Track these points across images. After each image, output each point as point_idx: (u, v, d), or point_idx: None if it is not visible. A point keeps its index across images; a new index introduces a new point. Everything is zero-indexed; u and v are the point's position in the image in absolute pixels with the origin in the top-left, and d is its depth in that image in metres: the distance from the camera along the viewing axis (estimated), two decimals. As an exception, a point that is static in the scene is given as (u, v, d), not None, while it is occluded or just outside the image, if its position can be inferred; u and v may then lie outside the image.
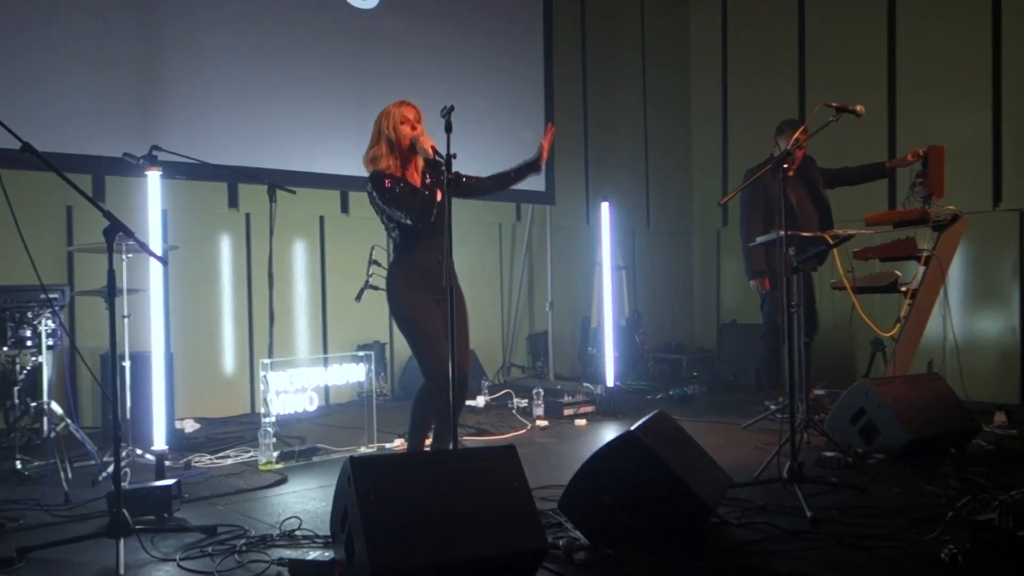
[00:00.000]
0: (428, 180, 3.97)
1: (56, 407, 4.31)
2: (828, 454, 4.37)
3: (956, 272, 6.31)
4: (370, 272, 5.52)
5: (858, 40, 7.88)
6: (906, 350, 5.53)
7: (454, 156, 3.60)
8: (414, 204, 3.89)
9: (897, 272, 5.63)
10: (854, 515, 3.48)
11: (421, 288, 3.97)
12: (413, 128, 3.97)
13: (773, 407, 5.69)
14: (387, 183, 3.95)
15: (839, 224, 5.87)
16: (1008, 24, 6.97)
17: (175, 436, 4.99)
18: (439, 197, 3.93)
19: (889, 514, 3.48)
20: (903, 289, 5.52)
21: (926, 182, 5.50)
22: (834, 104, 4.05)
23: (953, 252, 5.68)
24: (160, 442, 4.36)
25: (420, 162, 4.05)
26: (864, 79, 7.71)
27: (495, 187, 4.31)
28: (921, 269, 5.50)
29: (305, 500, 3.93)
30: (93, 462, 4.27)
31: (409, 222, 3.92)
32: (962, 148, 6.47)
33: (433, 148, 3.80)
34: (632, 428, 3.25)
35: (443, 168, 3.59)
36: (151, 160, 4.53)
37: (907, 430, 4.40)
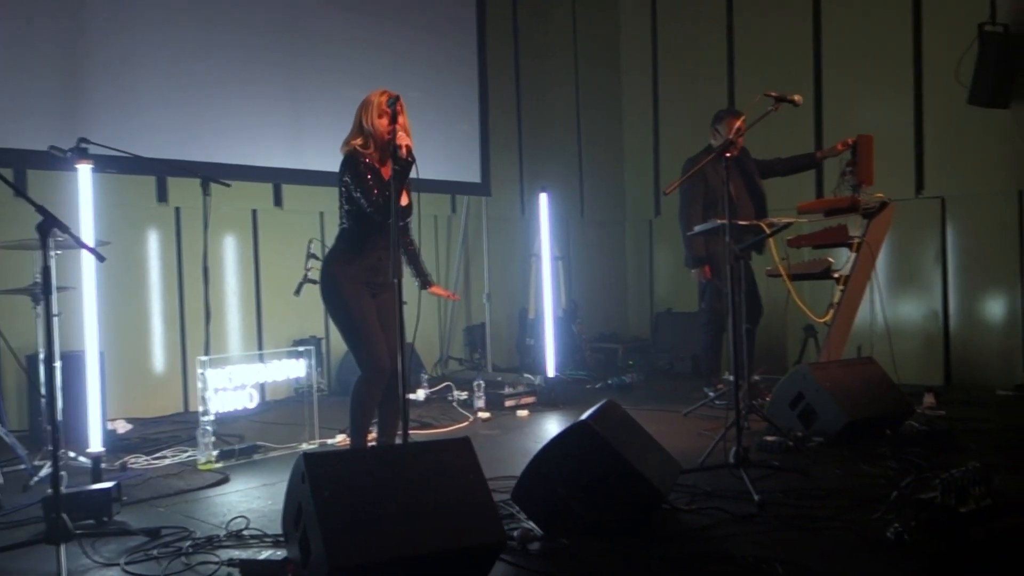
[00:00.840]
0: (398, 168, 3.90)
1: (-18, 410, 4.14)
2: (769, 438, 4.45)
3: (882, 258, 6.48)
4: (308, 266, 5.44)
5: (785, 32, 8.03)
6: (839, 335, 5.67)
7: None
8: (379, 198, 3.84)
9: (830, 259, 5.77)
10: (799, 497, 3.55)
11: (359, 280, 3.96)
12: (392, 120, 3.90)
13: (712, 394, 5.77)
14: (361, 166, 3.91)
15: (773, 213, 5.99)
16: (928, 15, 7.18)
17: (108, 437, 4.83)
18: (405, 200, 3.93)
19: (832, 495, 3.56)
20: (835, 275, 5.65)
21: (855, 171, 5.64)
22: (773, 94, 4.12)
23: (882, 238, 5.84)
24: (96, 444, 4.21)
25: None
26: (791, 70, 7.87)
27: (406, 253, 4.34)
28: (852, 256, 5.64)
29: (250, 499, 3.85)
30: (23, 466, 4.11)
31: (369, 211, 3.88)
32: (885, 137, 6.64)
33: (408, 148, 3.76)
34: (583, 417, 3.25)
35: (406, 167, 3.58)
36: (81, 153, 4.36)
37: (844, 413, 4.51)
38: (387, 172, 3.97)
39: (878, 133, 6.00)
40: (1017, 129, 6.72)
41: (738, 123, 4.26)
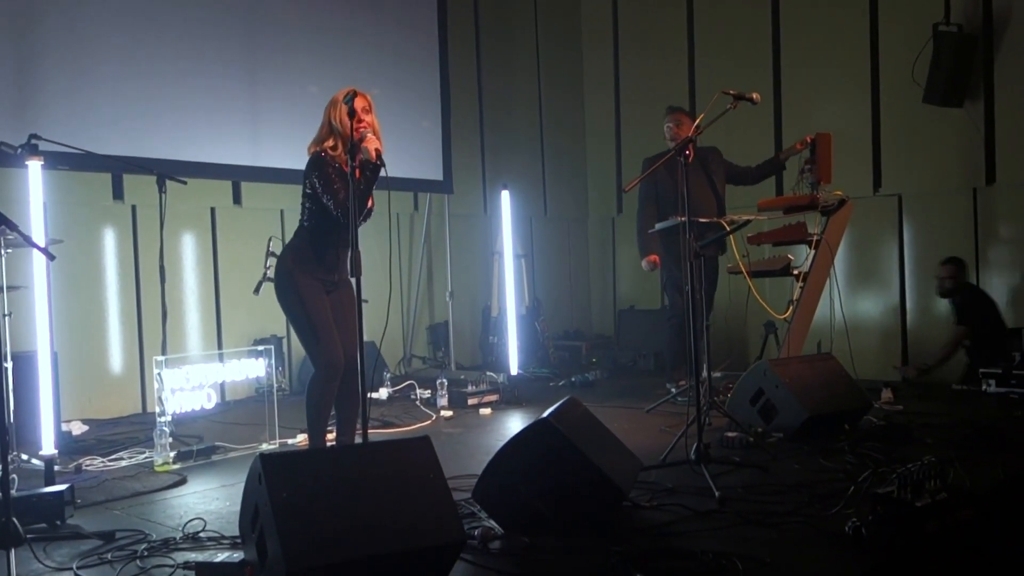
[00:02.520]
0: (362, 184, 3.86)
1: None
2: (730, 434, 4.48)
3: (841, 255, 6.55)
4: (268, 264, 5.37)
5: (745, 23, 8.10)
6: (799, 331, 5.71)
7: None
8: (346, 202, 3.81)
9: (789, 256, 5.81)
10: (759, 493, 3.56)
11: (314, 276, 3.94)
12: (359, 120, 3.86)
13: (674, 390, 5.79)
14: (330, 169, 3.90)
15: (733, 210, 6.03)
16: (884, 15, 7.27)
17: (63, 439, 4.75)
18: (370, 204, 3.95)
19: (792, 491, 3.58)
20: (795, 272, 5.70)
21: (814, 168, 5.69)
22: (732, 92, 4.13)
23: (841, 236, 5.89)
24: (48, 446, 4.13)
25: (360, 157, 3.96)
26: (751, 68, 7.94)
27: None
28: (811, 253, 5.69)
29: (207, 500, 3.80)
30: (-26, 470, 4.02)
31: (336, 214, 3.87)
32: (844, 135, 6.72)
33: (377, 152, 3.74)
34: (544, 415, 3.24)
35: (375, 171, 3.57)
36: (31, 149, 4.28)
37: (804, 409, 4.54)
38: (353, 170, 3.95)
39: (836, 131, 6.06)
40: (971, 127, 6.84)
41: (696, 122, 4.26)
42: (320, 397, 4.02)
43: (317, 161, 3.95)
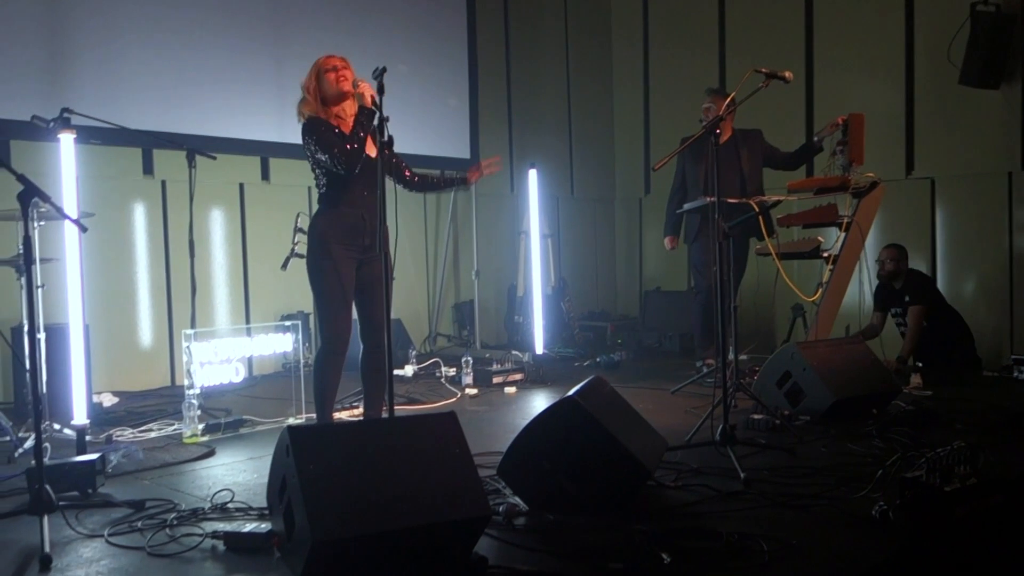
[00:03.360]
0: (361, 132, 3.86)
1: (-34, 382, 4.11)
2: (756, 416, 4.45)
3: (871, 238, 6.48)
4: (295, 240, 5.40)
5: (777, 8, 7.99)
6: (827, 314, 5.67)
7: (386, 119, 3.56)
8: (344, 150, 3.82)
9: (819, 238, 5.76)
10: (785, 475, 3.55)
11: (343, 244, 3.93)
12: (340, 74, 3.89)
13: (705, 369, 5.76)
14: (321, 127, 3.90)
15: (763, 191, 5.97)
16: (921, -4, 7.16)
17: (94, 410, 4.82)
18: (369, 148, 3.88)
19: (818, 473, 3.56)
20: (825, 255, 5.65)
21: (846, 150, 5.62)
22: (764, 70, 4.09)
23: (872, 218, 5.83)
24: (80, 416, 4.19)
25: (350, 110, 3.97)
26: (783, 47, 7.84)
27: (417, 185, 4.40)
28: (842, 235, 5.63)
29: (235, 472, 3.83)
30: (8, 438, 4.08)
31: (337, 168, 3.86)
32: (877, 117, 6.63)
33: (372, 97, 3.72)
34: (570, 393, 3.24)
35: (379, 122, 3.55)
36: (63, 123, 4.32)
37: (831, 392, 4.51)
38: (343, 125, 3.96)
39: (869, 112, 5.98)
40: (1008, 110, 6.72)
41: (728, 100, 4.22)
42: (322, 370, 4.03)
43: (307, 125, 3.95)
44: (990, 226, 6.82)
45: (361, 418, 4.23)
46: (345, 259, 3.96)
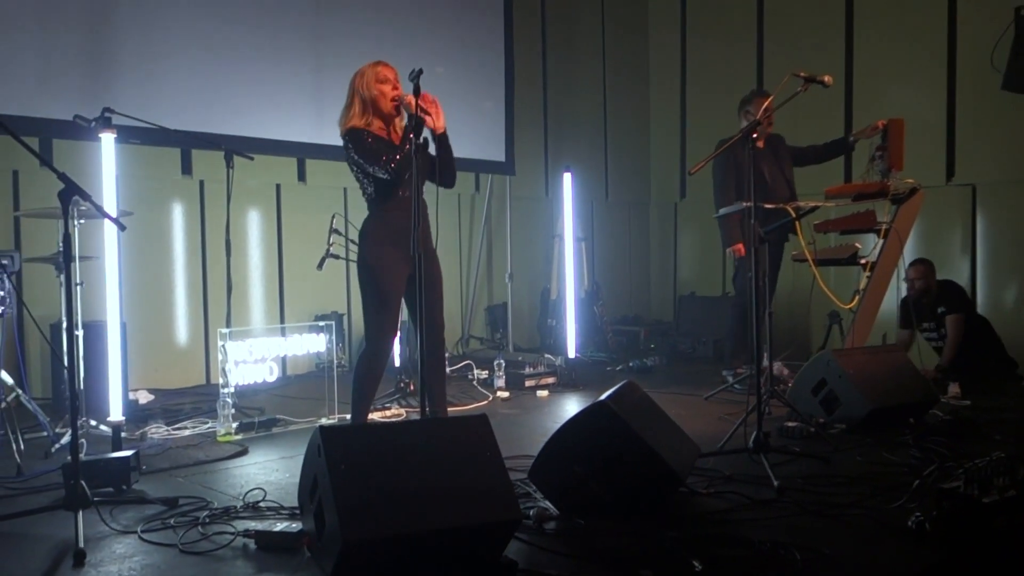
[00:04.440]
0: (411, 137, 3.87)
1: (6, 377, 4.17)
2: (790, 424, 4.40)
3: (910, 245, 6.39)
4: (331, 241, 5.43)
5: (817, 11, 7.92)
6: (864, 322, 5.60)
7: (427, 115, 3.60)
8: (392, 158, 3.83)
9: (857, 244, 5.68)
10: (819, 484, 3.51)
11: (394, 245, 3.93)
12: (395, 87, 3.92)
13: (731, 379, 5.72)
14: (363, 136, 3.91)
15: (800, 197, 5.90)
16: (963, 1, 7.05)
17: (130, 407, 4.87)
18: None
19: (853, 483, 3.52)
20: (862, 261, 5.58)
21: (885, 155, 5.55)
22: (802, 74, 4.04)
23: (911, 225, 5.75)
24: (116, 413, 4.24)
25: (400, 123, 3.99)
26: (823, 51, 7.77)
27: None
28: (880, 242, 5.56)
29: (268, 471, 3.86)
30: (45, 433, 4.14)
31: (385, 175, 3.88)
32: (917, 122, 6.53)
33: (418, 105, 3.73)
34: (602, 397, 3.23)
35: (416, 128, 3.56)
36: (104, 123, 4.38)
37: (867, 400, 4.45)
38: (392, 135, 3.97)
39: (909, 117, 5.89)
40: (1052, 116, 6.60)
41: (766, 103, 4.18)
42: (365, 372, 4.05)
43: (350, 135, 3.96)
44: (1032, 234, 6.70)
45: (403, 419, 4.21)
46: (396, 261, 3.97)
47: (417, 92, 3.61)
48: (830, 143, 6.08)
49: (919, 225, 6.43)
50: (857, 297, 5.56)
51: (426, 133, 3.85)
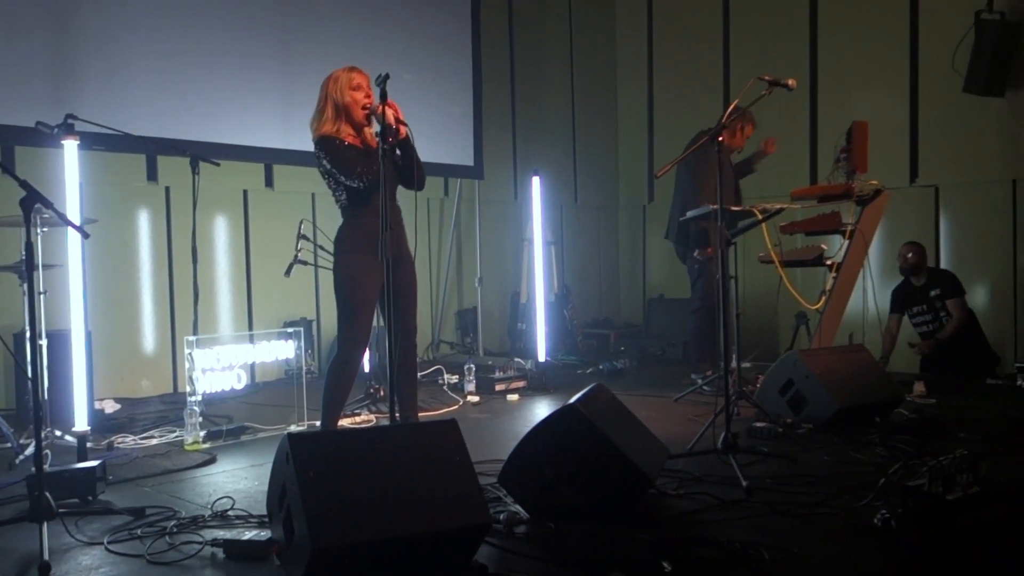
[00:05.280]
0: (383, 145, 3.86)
1: (-32, 388, 4.11)
2: (758, 424, 4.44)
3: (875, 246, 6.47)
4: (299, 247, 5.41)
5: (782, 9, 8.00)
6: (831, 322, 5.66)
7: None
8: (365, 167, 3.82)
9: (823, 246, 5.74)
10: (787, 483, 3.53)
11: (369, 253, 3.89)
12: (368, 95, 3.90)
13: (700, 380, 5.75)
14: (336, 145, 3.88)
15: (765, 199, 5.96)
16: (925, 2, 7.15)
17: (95, 417, 4.81)
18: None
19: (820, 482, 3.55)
20: (828, 262, 5.64)
21: (850, 157, 5.61)
22: (767, 77, 4.07)
23: (875, 226, 5.82)
24: (81, 423, 4.19)
25: (370, 130, 3.98)
26: (787, 56, 7.84)
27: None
28: (845, 243, 5.62)
29: (236, 480, 3.83)
30: (9, 445, 4.08)
31: (357, 185, 3.86)
32: (881, 124, 6.62)
33: (395, 116, 3.72)
34: (572, 401, 3.23)
35: (388, 138, 3.55)
36: (67, 129, 4.32)
37: (834, 400, 4.50)
38: (369, 138, 3.95)
39: (873, 120, 5.97)
40: (1012, 117, 6.71)
41: (731, 108, 4.21)
42: (337, 379, 4.03)
43: (322, 144, 3.94)
44: (994, 234, 6.80)
45: (371, 424, 4.20)
46: (370, 269, 3.94)
47: (384, 97, 3.60)
48: (739, 163, 6.20)
49: (884, 226, 6.51)
50: (824, 298, 5.61)
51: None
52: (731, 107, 4.08)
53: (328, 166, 3.92)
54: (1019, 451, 3.99)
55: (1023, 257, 6.75)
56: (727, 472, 3.59)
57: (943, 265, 7.05)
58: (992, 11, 6.62)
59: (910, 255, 6.40)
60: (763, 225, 5.14)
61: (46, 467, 3.30)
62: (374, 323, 4.21)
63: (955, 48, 6.72)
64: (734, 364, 4.48)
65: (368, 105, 3.93)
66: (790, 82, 4.17)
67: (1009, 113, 6.72)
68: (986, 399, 5.43)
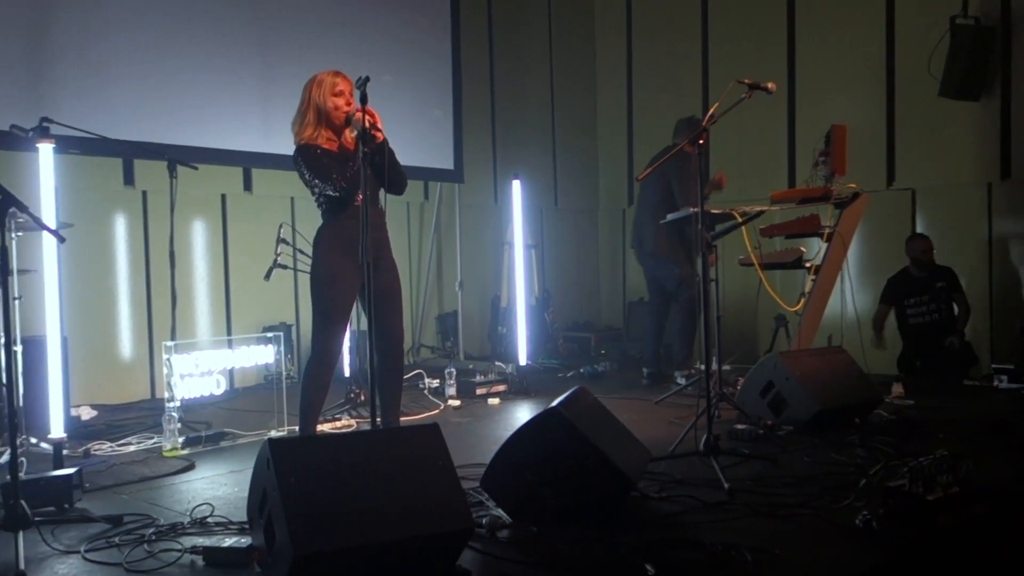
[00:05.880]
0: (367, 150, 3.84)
1: (-58, 395, 4.05)
2: (739, 427, 4.45)
3: (853, 249, 6.52)
4: (278, 251, 5.37)
5: (760, 13, 8.05)
6: (810, 324, 5.68)
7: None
8: (343, 175, 3.80)
9: (801, 248, 5.78)
10: (769, 485, 3.54)
11: (347, 255, 3.87)
12: (348, 103, 3.88)
13: (683, 380, 5.76)
14: (314, 154, 3.86)
15: (745, 202, 5.98)
16: (901, 7, 7.21)
17: (72, 424, 4.76)
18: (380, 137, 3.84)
19: (801, 483, 3.56)
20: (807, 265, 5.67)
21: (828, 160, 5.65)
22: (747, 81, 4.09)
23: (854, 229, 5.86)
24: (57, 430, 4.14)
25: (350, 133, 3.96)
26: (766, 61, 7.88)
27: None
28: (824, 246, 5.65)
29: (215, 486, 3.79)
30: (-17, 452, 4.03)
31: (336, 194, 3.84)
32: (858, 128, 6.66)
33: (371, 122, 3.71)
34: (553, 404, 3.23)
35: (365, 144, 3.53)
36: (42, 132, 4.28)
37: (815, 402, 4.52)
38: (348, 142, 3.93)
39: (851, 124, 6.02)
40: (986, 121, 6.78)
41: (712, 110, 4.22)
42: (310, 381, 4.01)
43: (301, 152, 3.92)
44: (970, 236, 6.86)
45: (351, 429, 4.18)
46: (348, 271, 3.92)
47: (364, 100, 3.59)
48: None
49: (862, 228, 6.55)
50: (803, 300, 5.64)
51: None
52: (712, 109, 4.09)
53: (306, 174, 3.91)
54: (997, 451, 4.02)
55: (998, 259, 6.81)
56: (709, 474, 3.60)
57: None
58: (967, 16, 6.69)
59: (929, 252, 6.54)
60: (743, 228, 5.17)
61: (22, 475, 3.25)
62: (356, 327, 4.19)
63: (931, 53, 6.78)
64: (715, 367, 4.50)
65: (348, 113, 3.91)
66: (770, 85, 4.19)
67: (983, 117, 6.78)
68: (964, 400, 5.47)
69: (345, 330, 4.06)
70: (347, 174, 3.82)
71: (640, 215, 6.34)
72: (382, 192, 4.07)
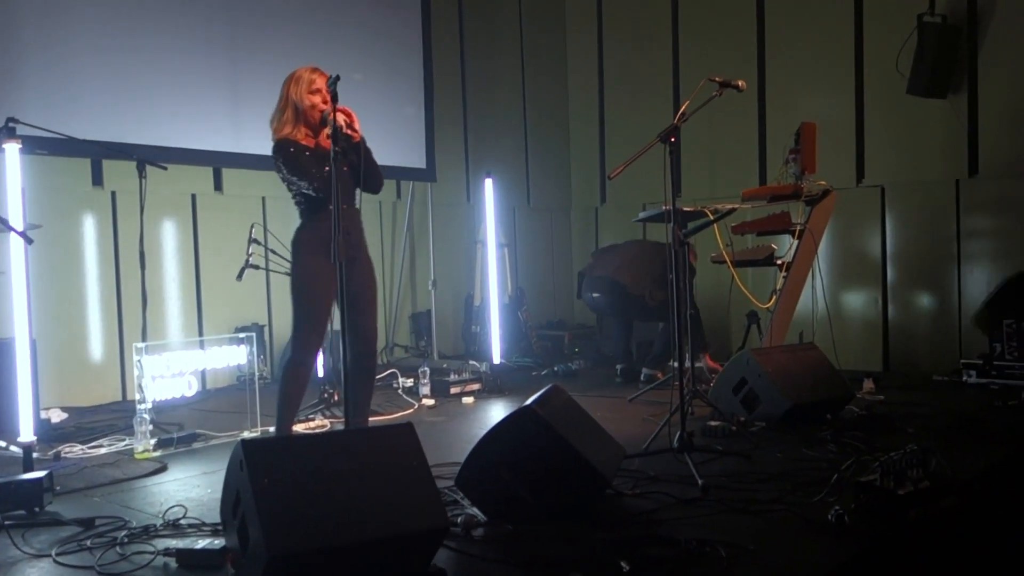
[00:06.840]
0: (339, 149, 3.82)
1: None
2: (713, 423, 4.48)
3: (824, 245, 6.57)
4: (250, 251, 5.34)
5: (730, 11, 8.09)
6: (782, 321, 5.73)
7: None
8: (321, 174, 3.78)
9: (773, 246, 5.82)
10: (742, 481, 3.57)
11: (326, 255, 3.84)
12: (325, 100, 3.86)
13: (661, 376, 5.79)
14: (291, 151, 3.84)
15: (717, 200, 6.03)
16: (869, 5, 7.28)
17: (42, 426, 4.71)
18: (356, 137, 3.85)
19: (774, 479, 3.58)
20: (779, 262, 5.71)
21: (799, 158, 5.69)
22: (718, 79, 4.12)
23: (824, 226, 5.91)
24: (27, 433, 4.09)
25: (327, 131, 3.94)
26: (736, 58, 7.92)
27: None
28: (795, 243, 5.70)
29: (188, 488, 3.77)
30: (-49, 457, 3.98)
31: (312, 192, 3.83)
32: (828, 126, 6.71)
33: (347, 122, 3.70)
34: (527, 403, 3.23)
35: (341, 142, 3.52)
36: (8, 132, 4.22)
37: (787, 398, 4.55)
38: (320, 143, 3.92)
39: (821, 121, 6.06)
40: (954, 119, 6.85)
41: (683, 108, 4.25)
42: (291, 381, 3.99)
43: (279, 150, 3.91)
44: (939, 233, 6.94)
45: (325, 430, 4.16)
46: (327, 271, 3.89)
47: (335, 99, 3.57)
48: None
49: (832, 225, 6.60)
50: (775, 297, 5.69)
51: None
52: (683, 107, 4.12)
53: (285, 171, 3.90)
54: (967, 445, 4.07)
55: (966, 255, 6.90)
56: (683, 471, 3.62)
57: (889, 262, 7.17)
58: (934, 14, 6.76)
59: None
60: (715, 225, 5.21)
61: (-10, 479, 3.22)
62: (331, 327, 4.17)
63: (899, 50, 6.85)
64: (688, 364, 4.52)
65: (324, 111, 3.89)
66: (740, 83, 4.22)
67: (951, 114, 6.86)
68: (933, 395, 5.54)
69: (325, 330, 4.04)
70: (320, 175, 3.81)
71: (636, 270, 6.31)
72: (358, 191, 4.06)
